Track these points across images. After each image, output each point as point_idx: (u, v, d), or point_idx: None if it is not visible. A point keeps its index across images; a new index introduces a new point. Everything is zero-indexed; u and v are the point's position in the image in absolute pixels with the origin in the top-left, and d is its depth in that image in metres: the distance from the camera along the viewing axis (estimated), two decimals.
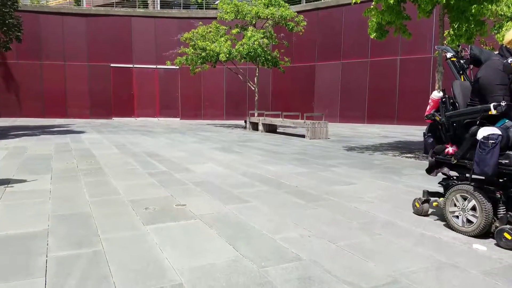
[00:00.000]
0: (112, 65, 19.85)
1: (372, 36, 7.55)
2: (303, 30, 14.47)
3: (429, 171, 3.37)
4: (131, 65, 20.15)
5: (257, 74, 14.93)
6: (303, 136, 11.22)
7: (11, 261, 2.38)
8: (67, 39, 19.34)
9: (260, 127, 13.15)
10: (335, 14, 18.36)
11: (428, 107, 3.42)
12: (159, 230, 2.99)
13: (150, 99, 20.60)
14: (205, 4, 20.77)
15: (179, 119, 20.57)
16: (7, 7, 9.79)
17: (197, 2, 15.71)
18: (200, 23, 15.11)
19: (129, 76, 20.25)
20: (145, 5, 22.91)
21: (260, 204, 3.79)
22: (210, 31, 14.38)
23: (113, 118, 19.77)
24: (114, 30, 19.62)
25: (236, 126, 15.99)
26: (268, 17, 13.80)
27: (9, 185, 4.46)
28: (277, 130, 13.45)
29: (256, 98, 15.01)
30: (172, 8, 22.36)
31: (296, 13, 14.58)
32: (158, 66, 20.00)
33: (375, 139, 10.89)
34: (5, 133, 11.20)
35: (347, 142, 9.99)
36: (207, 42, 13.55)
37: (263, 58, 13.82)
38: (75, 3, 23.43)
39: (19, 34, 10.74)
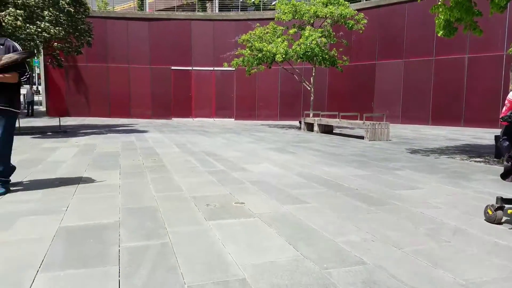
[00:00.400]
0: (172, 67, 20.72)
1: (439, 34, 7.16)
2: (363, 28, 14.09)
3: (505, 176, 3.13)
4: (190, 68, 20.89)
5: (313, 74, 14.79)
6: (361, 137, 10.93)
7: (88, 249, 2.57)
8: (131, 43, 20.48)
9: (316, 128, 13.01)
10: (397, 11, 17.68)
11: (504, 109, 3.18)
12: (221, 226, 3.07)
13: (206, 100, 21.21)
14: (262, 5, 20.98)
15: (233, 119, 20.96)
16: (80, 14, 10.58)
17: (254, 3, 15.89)
18: (258, 24, 15.29)
19: (188, 78, 21.01)
20: (204, 9, 23.63)
21: (319, 206, 3.75)
22: (267, 32, 14.49)
23: (172, 119, 20.62)
24: (175, 34, 20.45)
25: (290, 127, 15.96)
26: (327, 16, 13.61)
27: (82, 180, 4.82)
28: (333, 131, 13.22)
29: (311, 98, 14.87)
30: (230, 10, 22.84)
31: (356, 11, 14.25)
32: (215, 68, 20.54)
33: (440, 141, 10.31)
34: (75, 131, 12.10)
35: (410, 144, 9.57)
36: (264, 43, 13.67)
37: (321, 58, 13.65)
38: (139, 8, 24.73)
39: (89, 39, 11.56)
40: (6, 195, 3.97)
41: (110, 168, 5.64)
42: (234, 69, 16.51)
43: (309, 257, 2.49)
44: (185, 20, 20.57)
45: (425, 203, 3.89)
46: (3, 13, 8.47)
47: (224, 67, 16.16)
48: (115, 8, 23.28)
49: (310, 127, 13.58)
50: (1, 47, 3.87)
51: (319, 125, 12.93)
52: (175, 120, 20.16)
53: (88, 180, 4.76)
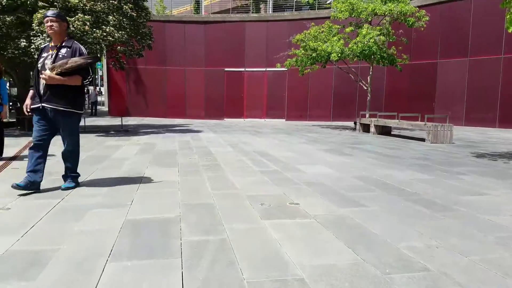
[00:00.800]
0: (226, 69, 21.14)
1: (510, 30, 6.65)
2: (425, 26, 13.45)
3: None
4: (242, 69, 21.19)
5: (370, 73, 14.37)
6: (422, 139, 10.43)
7: (152, 242, 2.69)
8: (188, 46, 21.17)
9: (372, 129, 12.62)
10: (462, 7, 16.66)
11: None
12: (276, 226, 3.07)
13: (258, 101, 21.38)
14: (317, 4, 20.76)
15: (284, 120, 20.93)
16: (141, 18, 11.12)
17: (308, 3, 15.75)
18: (312, 23, 15.14)
19: (240, 79, 21.32)
20: (258, 10, 23.82)
21: (378, 210, 3.63)
22: (322, 31, 14.30)
23: (224, 119, 21.04)
24: (229, 36, 20.84)
25: (344, 128, 15.62)
26: (386, 13, 13.15)
27: (144, 176, 5.05)
28: (391, 133, 12.74)
29: (368, 98, 14.45)
30: (284, 11, 22.83)
31: (417, 8, 13.63)
32: (268, 69, 20.65)
33: (509, 145, 9.56)
34: (136, 130, 12.74)
35: (476, 147, 8.97)
36: (319, 42, 13.50)
37: (379, 56, 13.21)
38: (195, 11, 25.48)
39: (150, 42, 12.12)
40: (75, 188, 4.27)
41: (169, 166, 5.86)
42: (286, 69, 16.48)
43: (370, 262, 2.42)
44: (239, 22, 20.90)
45: (494, 210, 3.62)
46: (73, 18, 9.13)
47: (277, 67, 16.18)
48: (172, 12, 24.20)
49: (366, 128, 13.19)
50: (68, 49, 3.97)
51: (376, 126, 12.52)
52: (227, 120, 20.55)
53: (150, 177, 4.99)
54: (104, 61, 22.67)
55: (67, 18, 9.07)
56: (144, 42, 12.01)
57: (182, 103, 21.63)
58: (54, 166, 5.53)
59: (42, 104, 3.91)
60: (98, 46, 9.72)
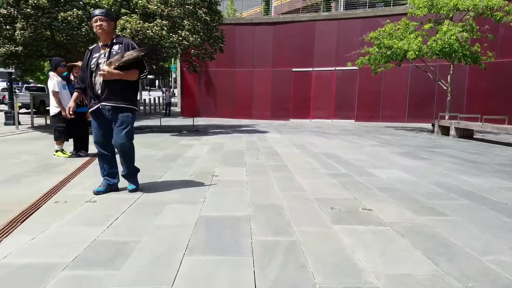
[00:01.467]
0: (293, 69, 21.09)
1: None
2: None
3: None
4: (310, 69, 20.97)
5: (451, 72, 13.40)
6: (509, 144, 9.49)
7: (225, 239, 2.77)
8: (256, 47, 21.46)
9: (452, 132, 11.75)
10: None
11: None
12: (348, 231, 2.99)
13: (325, 101, 20.99)
14: (392, 1, 19.87)
15: (353, 121, 20.32)
16: (214, 22, 11.51)
17: None
18: (387, 21, 14.50)
19: (308, 79, 21.11)
20: (329, 8, 23.40)
21: (460, 219, 3.36)
22: (398, 28, 13.64)
23: (290, 120, 21.00)
24: (298, 36, 20.74)
25: (421, 130, 14.75)
26: (469, 8, 12.16)
27: (215, 174, 5.22)
28: (474, 136, 11.77)
29: (448, 98, 13.50)
30: (357, 8, 22.14)
31: (505, 1, 12.42)
32: (337, 68, 20.21)
33: None
34: (206, 130, 13.20)
35: None
36: (394, 40, 12.89)
37: (460, 54, 12.25)
38: (265, 12, 25.74)
39: (222, 45, 12.50)
40: (153, 184, 4.53)
41: (238, 165, 5.99)
42: (357, 68, 15.99)
43: (451, 274, 2.25)
44: (309, 22, 20.71)
45: None
46: (152, 24, 9.72)
47: (348, 66, 15.75)
48: (242, 14, 24.73)
49: (445, 130, 12.33)
50: (120, 45, 3.87)
51: (456, 128, 11.64)
52: (293, 121, 20.48)
53: (220, 175, 5.14)
54: (178, 64, 23.86)
55: (147, 23, 9.73)
56: (216, 45, 12.41)
57: (249, 104, 22.01)
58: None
59: (101, 103, 3.79)
60: (174, 50, 10.25)
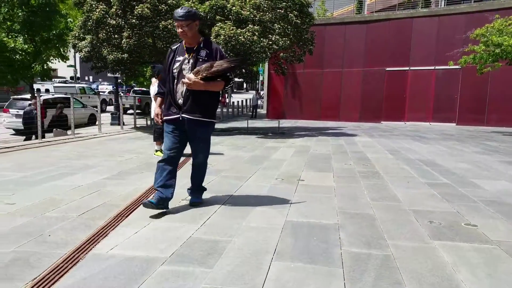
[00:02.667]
0: (387, 69, 20.06)
1: None
2: None
3: None
4: (406, 68, 19.74)
5: None
6: None
7: (313, 246, 2.73)
8: (347, 47, 20.85)
9: None
10: None
11: None
12: (449, 248, 2.73)
13: (422, 102, 19.56)
14: None
15: (454, 124, 18.60)
16: (305, 24, 11.46)
17: None
18: (497, 15, 13.01)
19: (403, 79, 19.90)
20: (428, 4, 21.78)
21: None
22: (509, 24, 12.17)
23: (381, 122, 19.99)
24: (393, 34, 19.68)
25: None
26: None
27: (300, 179, 5.18)
28: None
29: None
30: (461, 3, 20.26)
31: None
32: (437, 67, 18.72)
33: None
34: (291, 133, 13.20)
35: None
36: (505, 36, 11.51)
37: None
38: (357, 11, 24.92)
39: (311, 47, 12.40)
40: (241, 186, 4.66)
41: (324, 170, 5.88)
42: (460, 67, 14.62)
43: None
44: (405, 19, 19.53)
45: None
46: (244, 29, 10.03)
47: (449, 65, 14.47)
48: (333, 14, 24.24)
49: None
50: (207, 51, 3.42)
51: None
52: (385, 123, 19.47)
53: (306, 180, 5.09)
54: (266, 66, 24.28)
55: (238, 28, 10.06)
56: (305, 48, 12.35)
57: (337, 106, 21.48)
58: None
59: (182, 115, 3.39)
60: (263, 55, 10.45)
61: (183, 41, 3.49)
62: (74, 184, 4.59)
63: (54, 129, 10.63)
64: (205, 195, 4.03)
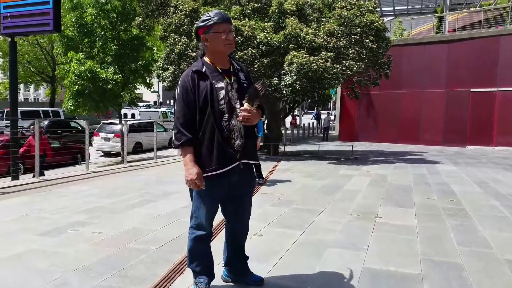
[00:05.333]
0: (472, 90, 18.62)
1: None
2: None
3: None
4: (494, 89, 18.15)
5: None
6: None
7: None
8: (427, 67, 19.81)
9: None
10: None
11: None
12: None
13: None
14: None
15: None
16: (381, 49, 11.11)
17: None
18: None
19: (490, 101, 18.30)
20: None
21: None
22: None
23: (467, 146, 18.45)
24: (478, 53, 18.32)
25: None
26: None
27: (378, 216, 4.92)
28: None
29: None
30: None
31: None
32: None
33: None
34: (365, 158, 12.66)
35: None
36: None
37: None
38: (437, 29, 23.71)
39: (387, 71, 11.95)
40: (313, 222, 4.55)
41: (404, 205, 5.52)
42: None
43: None
44: (491, 37, 18.10)
45: None
46: (317, 57, 9.99)
47: None
48: (412, 32, 23.25)
49: None
50: (243, 72, 2.61)
51: None
52: (470, 148, 17.91)
53: (384, 217, 4.82)
54: (338, 88, 23.93)
55: (310, 55, 10.02)
56: (381, 71, 11.95)
57: (415, 128, 20.32)
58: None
59: (243, 161, 2.47)
60: (336, 81, 10.31)
61: (205, 60, 2.52)
62: (155, 213, 4.86)
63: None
64: (278, 228, 3.98)
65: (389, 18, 29.92)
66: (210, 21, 2.40)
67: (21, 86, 44.92)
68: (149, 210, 4.99)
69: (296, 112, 32.26)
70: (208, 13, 2.46)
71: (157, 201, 5.53)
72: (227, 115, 2.42)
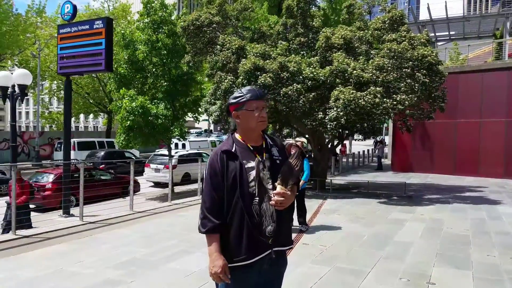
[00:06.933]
0: None
1: None
2: None
3: None
4: None
5: None
6: None
7: None
8: (485, 95, 18.64)
9: None
10: None
11: None
12: None
13: None
14: None
15: None
16: (435, 83, 10.52)
17: None
18: None
19: None
20: None
21: None
22: None
23: None
24: None
25: None
26: None
27: (431, 282, 4.46)
28: None
29: None
30: None
31: None
32: None
33: None
34: (420, 196, 11.79)
35: None
36: None
37: None
38: (496, 53, 22.39)
39: (442, 104, 11.26)
40: (363, 283, 4.21)
41: (461, 266, 4.99)
42: None
43: None
44: None
45: None
46: (364, 92, 9.61)
47: None
48: (468, 56, 22.04)
49: None
50: (276, 148, 2.37)
51: None
52: None
53: (438, 283, 4.35)
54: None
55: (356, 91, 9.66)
56: (436, 105, 11.30)
57: (474, 159, 18.94)
58: None
59: (275, 249, 2.23)
60: (386, 116, 9.87)
61: (236, 138, 2.35)
62: (188, 270, 4.78)
63: None
64: None
65: (443, 43, 28.69)
66: (243, 98, 2.25)
67: (81, 115, 48.52)
68: (183, 266, 4.93)
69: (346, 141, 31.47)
70: (240, 90, 2.31)
71: (193, 253, 5.46)
72: (257, 198, 2.20)
